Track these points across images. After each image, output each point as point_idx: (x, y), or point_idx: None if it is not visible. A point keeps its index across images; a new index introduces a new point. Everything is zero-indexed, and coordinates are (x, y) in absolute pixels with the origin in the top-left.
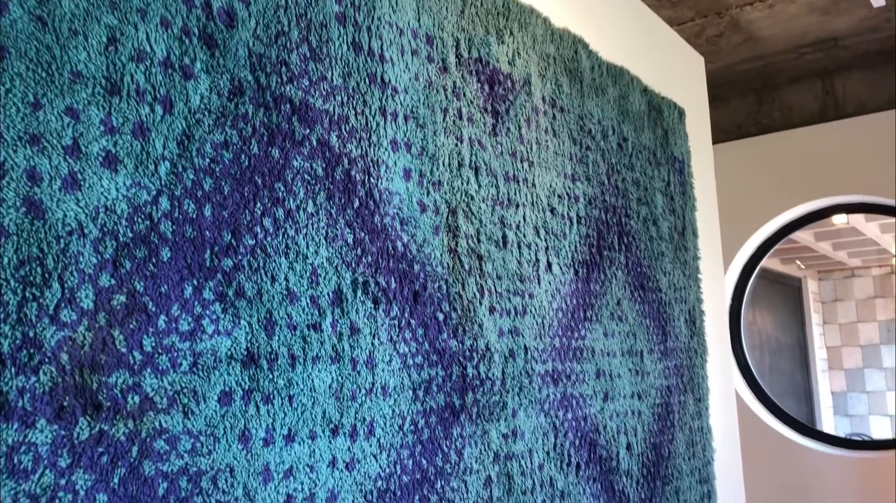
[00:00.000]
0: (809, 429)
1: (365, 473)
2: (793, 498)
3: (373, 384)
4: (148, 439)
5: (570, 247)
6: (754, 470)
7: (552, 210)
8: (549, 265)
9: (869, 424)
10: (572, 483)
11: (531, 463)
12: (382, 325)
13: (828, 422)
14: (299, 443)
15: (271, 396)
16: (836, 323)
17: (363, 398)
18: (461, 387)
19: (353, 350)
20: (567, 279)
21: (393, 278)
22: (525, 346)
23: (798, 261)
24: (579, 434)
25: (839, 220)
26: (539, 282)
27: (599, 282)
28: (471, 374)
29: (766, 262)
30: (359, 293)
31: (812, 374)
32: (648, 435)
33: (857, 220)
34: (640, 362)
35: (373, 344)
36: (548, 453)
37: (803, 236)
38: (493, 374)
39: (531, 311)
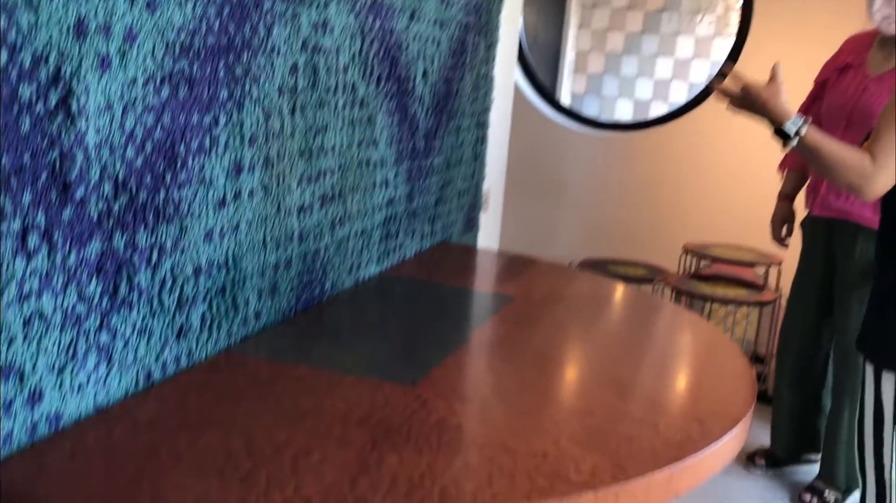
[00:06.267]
0: (563, 108)
1: (168, 20)
2: (539, 158)
3: None
4: None
5: None
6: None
7: None
8: None
9: None
10: (372, 94)
11: (337, 62)
12: None
13: None
14: None
15: None
16: (589, 28)
17: None
18: None
19: None
20: None
21: None
22: None
23: None
24: (384, 46)
25: None
26: None
27: None
28: None
29: None
30: None
31: (559, 74)
32: (443, 68)
33: None
34: None
35: None
36: (353, 57)
37: None
38: None
39: None
